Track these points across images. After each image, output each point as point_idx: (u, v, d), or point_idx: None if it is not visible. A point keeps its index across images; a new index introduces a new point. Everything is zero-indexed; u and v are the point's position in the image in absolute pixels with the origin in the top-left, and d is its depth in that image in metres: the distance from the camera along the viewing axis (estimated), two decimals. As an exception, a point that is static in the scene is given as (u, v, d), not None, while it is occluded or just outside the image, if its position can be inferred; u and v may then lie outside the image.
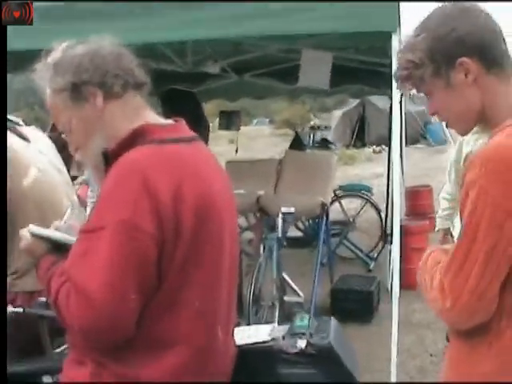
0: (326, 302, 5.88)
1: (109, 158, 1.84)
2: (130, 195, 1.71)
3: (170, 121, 1.97)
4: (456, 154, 4.15)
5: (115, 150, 1.83)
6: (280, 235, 5.52)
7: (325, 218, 6.02)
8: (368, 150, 18.73)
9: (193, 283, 1.81)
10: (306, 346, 2.07)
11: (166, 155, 1.81)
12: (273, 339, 2.15)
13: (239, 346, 2.11)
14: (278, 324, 4.49)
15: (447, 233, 4.45)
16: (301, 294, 5.73)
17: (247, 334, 2.22)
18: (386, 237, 7.16)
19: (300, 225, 7.65)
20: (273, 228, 5.64)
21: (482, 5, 1.79)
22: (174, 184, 1.75)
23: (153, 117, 1.95)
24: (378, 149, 17.75)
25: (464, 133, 1.89)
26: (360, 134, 20.60)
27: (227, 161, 6.61)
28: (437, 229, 4.59)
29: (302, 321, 2.18)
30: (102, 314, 1.68)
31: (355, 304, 5.71)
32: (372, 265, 7.06)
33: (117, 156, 1.80)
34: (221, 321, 1.93)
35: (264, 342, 2.14)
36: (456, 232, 4.04)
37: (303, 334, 2.11)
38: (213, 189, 1.88)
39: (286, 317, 5.44)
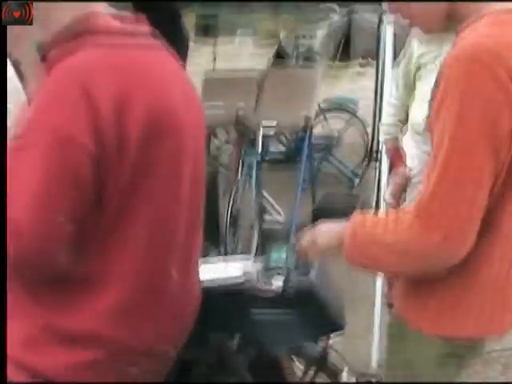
0: (309, 223, 5.59)
1: (45, 54, 1.48)
2: (65, 104, 1.38)
3: (127, 15, 1.60)
4: (407, 55, 3.60)
5: (52, 41, 1.47)
6: (260, 151, 5.18)
7: (309, 132, 5.67)
8: (353, 64, 18.22)
9: (140, 213, 1.48)
10: (284, 286, 1.77)
11: (114, 59, 1.46)
12: (245, 276, 1.84)
13: (207, 284, 1.81)
14: (256, 249, 4.23)
15: (396, 144, 3.87)
16: (282, 213, 5.45)
17: (216, 269, 1.92)
18: (371, 154, 6.85)
19: (284, 141, 7.29)
20: (253, 143, 5.31)
21: None
22: (120, 93, 1.41)
23: (105, 8, 1.56)
24: (364, 62, 17.26)
25: (429, 31, 1.67)
26: (345, 47, 20.02)
27: (205, 72, 6.20)
28: (382, 139, 4.02)
29: (279, 253, 1.87)
30: (26, 242, 1.37)
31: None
32: (357, 182, 6.77)
33: (55, 52, 1.44)
34: (176, 258, 1.60)
35: (235, 279, 1.84)
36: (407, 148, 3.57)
37: (280, 269, 1.80)
38: (171, 102, 1.54)
39: (266, 239, 5.17)
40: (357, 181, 6.77)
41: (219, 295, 1.81)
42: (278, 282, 1.76)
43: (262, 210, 5.22)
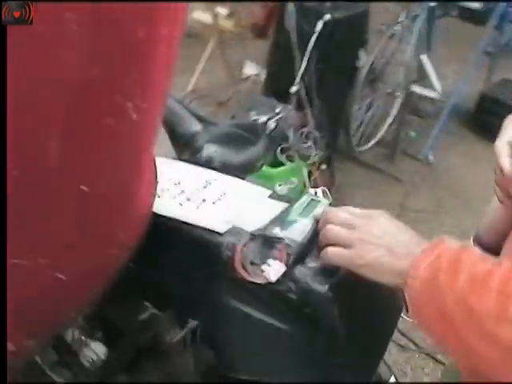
0: (470, 108, 4.57)
1: None
2: None
3: None
4: None
5: None
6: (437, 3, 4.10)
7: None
8: None
9: None
10: (281, 279, 0.95)
11: None
12: (229, 234, 1.03)
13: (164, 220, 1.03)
14: (390, 126, 3.30)
15: None
16: (438, 87, 4.40)
17: (196, 205, 1.11)
18: None
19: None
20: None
21: None
22: None
23: None
24: None
25: None
26: None
27: None
28: None
29: (303, 214, 1.02)
30: None
31: (503, 120, 4.36)
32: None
33: None
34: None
35: (211, 234, 1.03)
36: None
37: (289, 248, 0.97)
38: None
39: (407, 113, 4.22)
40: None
41: (175, 248, 1.03)
42: (273, 272, 0.94)
43: (411, 79, 4.20)
